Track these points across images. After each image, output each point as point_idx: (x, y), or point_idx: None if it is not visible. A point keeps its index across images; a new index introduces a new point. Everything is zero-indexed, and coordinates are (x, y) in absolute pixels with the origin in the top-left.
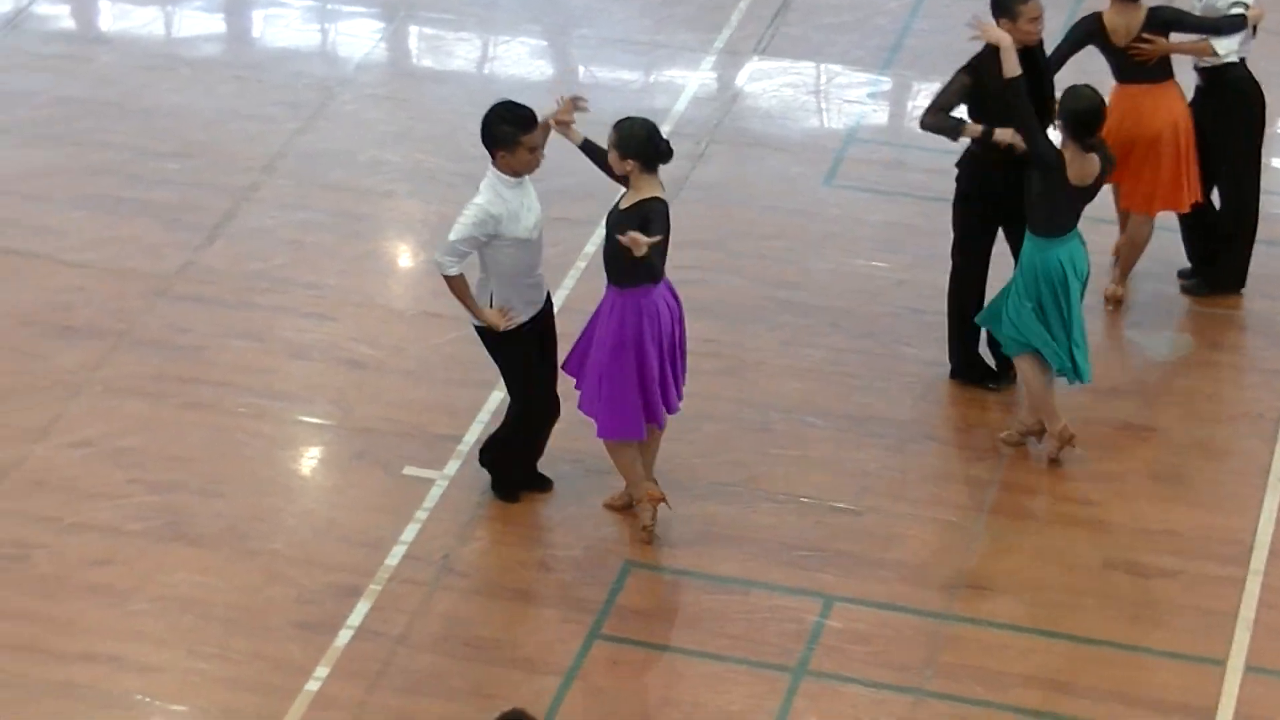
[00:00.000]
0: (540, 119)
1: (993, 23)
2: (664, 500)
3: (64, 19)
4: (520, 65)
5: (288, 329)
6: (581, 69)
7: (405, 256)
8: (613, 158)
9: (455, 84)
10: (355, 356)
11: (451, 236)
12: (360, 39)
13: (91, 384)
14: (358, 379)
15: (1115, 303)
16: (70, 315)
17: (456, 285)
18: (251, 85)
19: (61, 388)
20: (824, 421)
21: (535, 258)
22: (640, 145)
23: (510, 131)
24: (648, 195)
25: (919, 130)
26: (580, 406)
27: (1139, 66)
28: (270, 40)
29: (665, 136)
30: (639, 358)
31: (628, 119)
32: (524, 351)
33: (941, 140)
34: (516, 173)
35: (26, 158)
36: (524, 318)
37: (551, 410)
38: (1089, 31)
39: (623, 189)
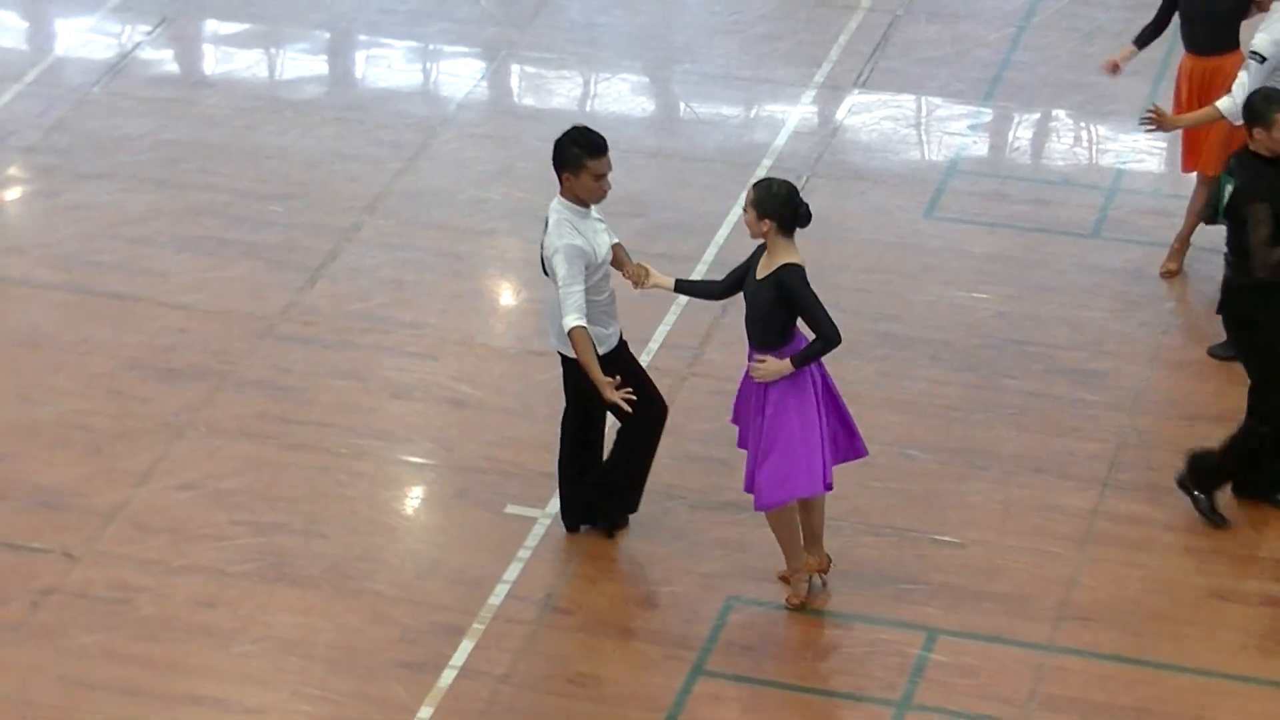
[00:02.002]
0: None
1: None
2: (826, 569)
3: (168, 63)
4: (621, 102)
5: (389, 368)
6: (683, 105)
7: (506, 295)
8: (749, 217)
9: (556, 122)
10: (456, 395)
11: (564, 289)
12: (461, 78)
13: (195, 426)
14: (459, 417)
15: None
16: (174, 357)
17: (581, 339)
18: (353, 126)
19: (166, 430)
20: (925, 454)
21: (607, 281)
22: (779, 205)
23: (577, 154)
24: (784, 261)
25: (1019, 160)
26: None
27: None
28: (372, 81)
29: (805, 202)
30: (800, 418)
31: (767, 179)
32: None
33: (1042, 171)
34: (581, 201)
35: (131, 201)
36: (603, 349)
37: (655, 417)
38: None
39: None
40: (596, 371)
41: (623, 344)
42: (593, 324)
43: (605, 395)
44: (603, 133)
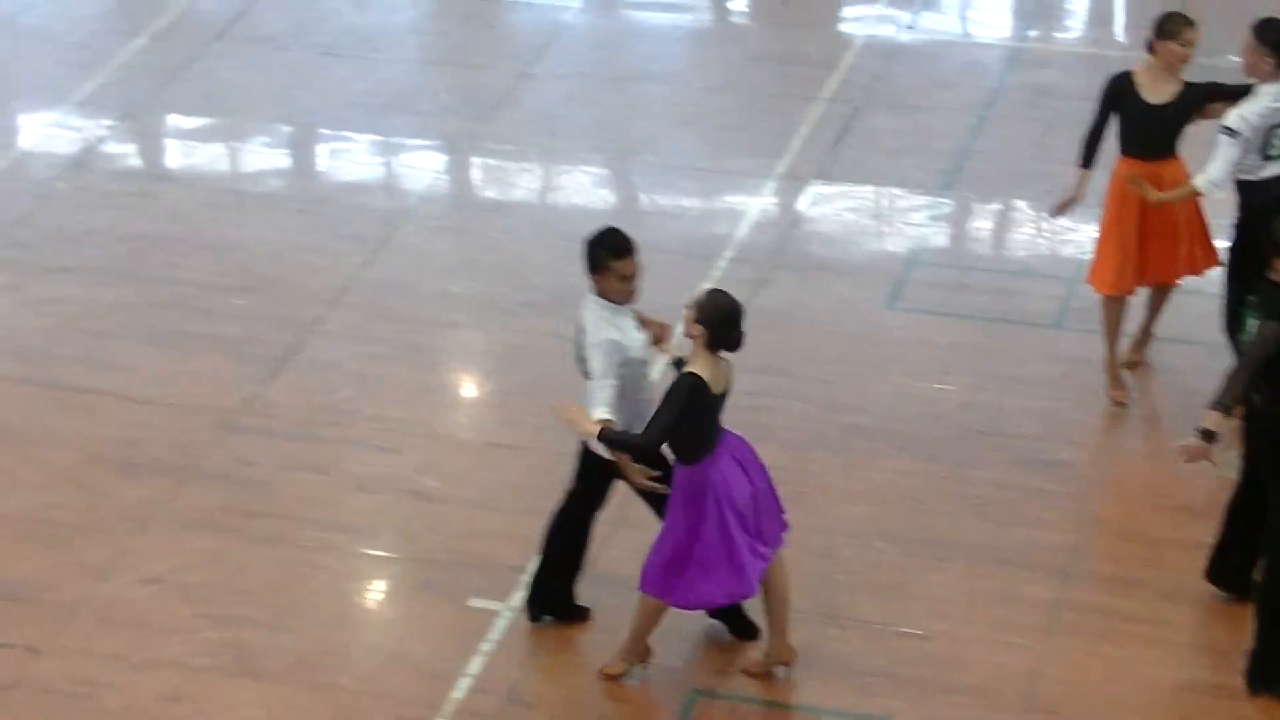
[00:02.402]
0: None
1: None
2: (790, 661)
3: (131, 157)
4: (582, 194)
5: (353, 461)
6: (643, 196)
7: (469, 387)
8: (687, 315)
9: (518, 214)
10: (420, 488)
11: (597, 383)
12: (423, 171)
13: (159, 519)
14: (423, 510)
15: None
16: (137, 451)
17: (608, 428)
18: (316, 219)
19: (129, 523)
20: (891, 546)
21: (647, 380)
22: (719, 321)
23: (602, 256)
24: (691, 369)
25: (981, 251)
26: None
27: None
28: (334, 174)
29: (743, 330)
30: (720, 531)
31: (722, 291)
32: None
33: (1004, 261)
34: (610, 300)
35: (95, 294)
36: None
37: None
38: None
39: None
40: (627, 459)
41: None
42: (633, 422)
43: (637, 481)
44: (564, 224)
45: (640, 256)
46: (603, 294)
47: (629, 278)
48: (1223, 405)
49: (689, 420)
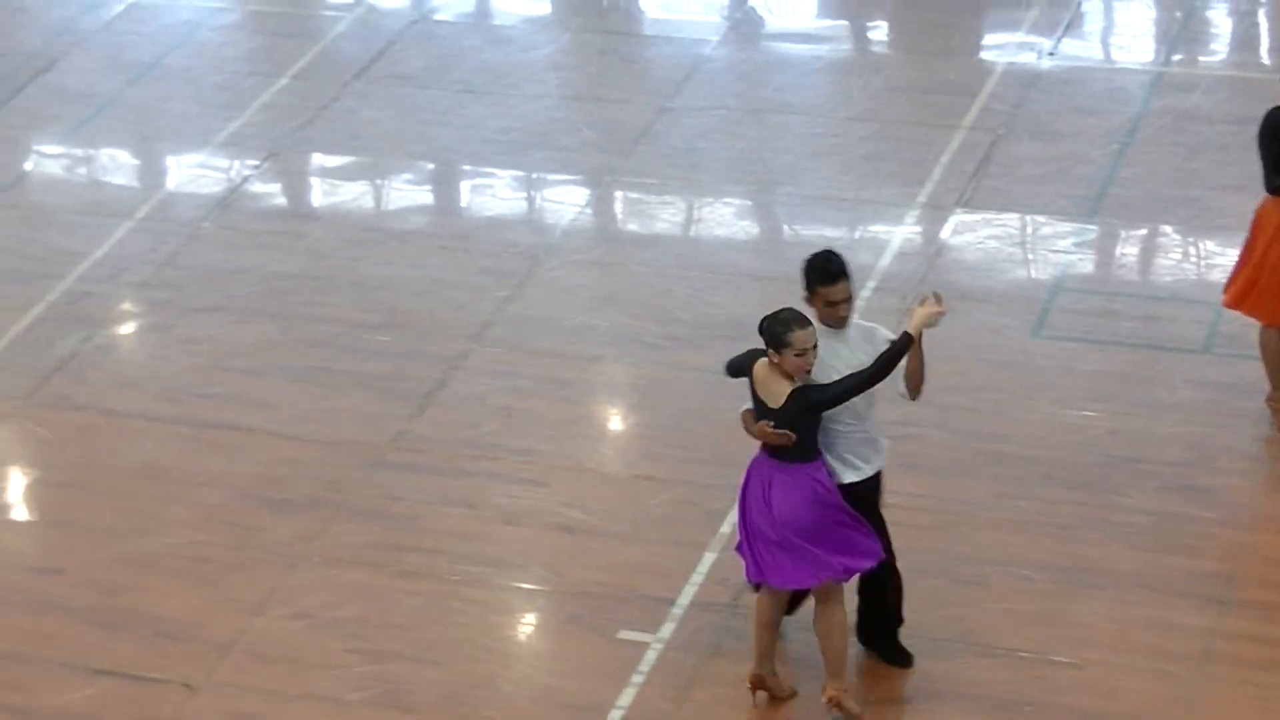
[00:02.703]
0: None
1: None
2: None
3: (275, 196)
4: (725, 226)
5: (500, 495)
6: (785, 227)
7: (615, 420)
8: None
9: (660, 248)
10: (567, 521)
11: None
12: (564, 206)
13: (309, 555)
14: (570, 543)
15: None
16: (287, 488)
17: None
18: (459, 255)
19: (279, 560)
20: (1040, 574)
21: (852, 413)
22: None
23: (810, 279)
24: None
25: (1126, 277)
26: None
27: None
28: (476, 210)
29: (785, 320)
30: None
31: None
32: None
33: (1150, 287)
34: (822, 323)
35: (241, 334)
36: (844, 478)
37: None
38: None
39: None
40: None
41: (870, 482)
42: (844, 457)
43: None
44: (706, 257)
45: (849, 282)
46: (818, 318)
47: (835, 303)
48: None
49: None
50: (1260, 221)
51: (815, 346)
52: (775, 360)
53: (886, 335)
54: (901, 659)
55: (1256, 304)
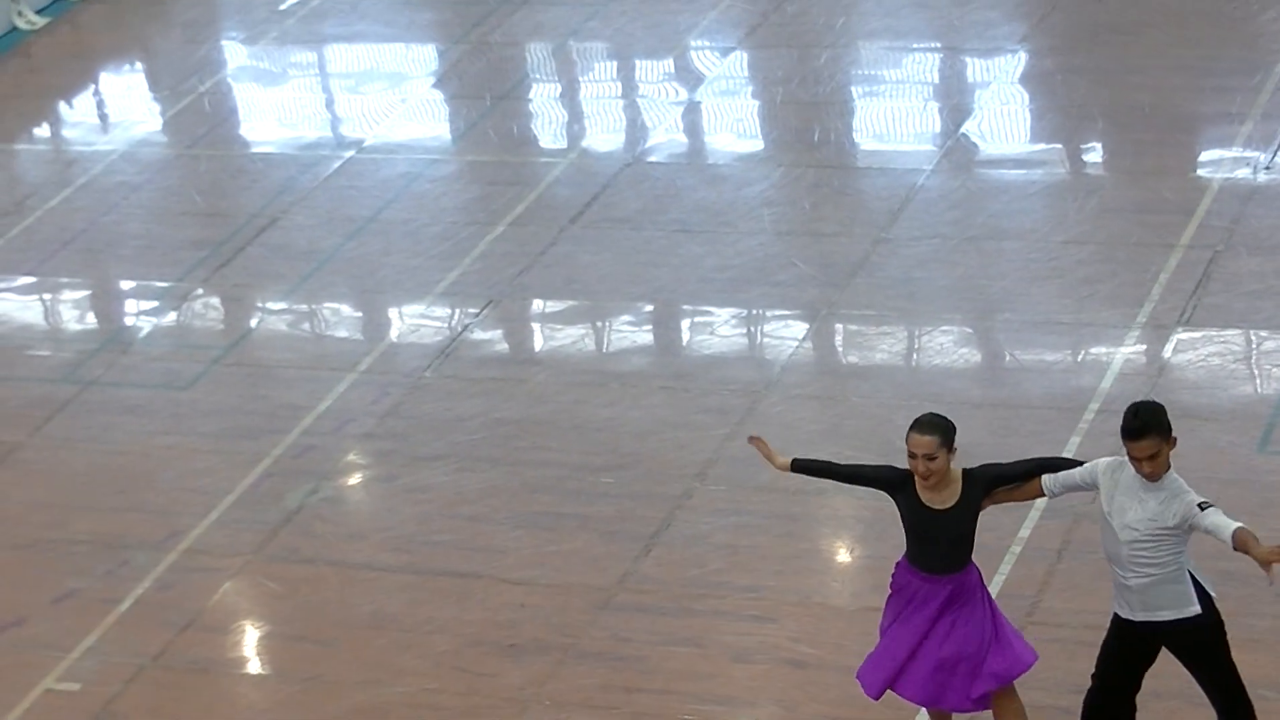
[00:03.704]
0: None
1: None
2: None
3: (496, 343)
4: (944, 355)
5: (728, 633)
6: (1006, 354)
7: (842, 553)
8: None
9: (880, 379)
10: (797, 656)
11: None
12: (784, 341)
13: (540, 700)
14: (801, 678)
15: None
16: (516, 633)
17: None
18: (680, 395)
19: (510, 705)
20: (1277, 693)
21: (1115, 550)
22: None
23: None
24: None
25: None
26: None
27: None
28: (695, 349)
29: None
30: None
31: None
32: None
33: None
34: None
35: (466, 481)
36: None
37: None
38: None
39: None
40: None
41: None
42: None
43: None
44: (927, 386)
45: (1164, 437)
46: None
47: (915, 456)
48: None
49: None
50: None
51: (926, 456)
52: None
53: (1193, 501)
54: None
55: None
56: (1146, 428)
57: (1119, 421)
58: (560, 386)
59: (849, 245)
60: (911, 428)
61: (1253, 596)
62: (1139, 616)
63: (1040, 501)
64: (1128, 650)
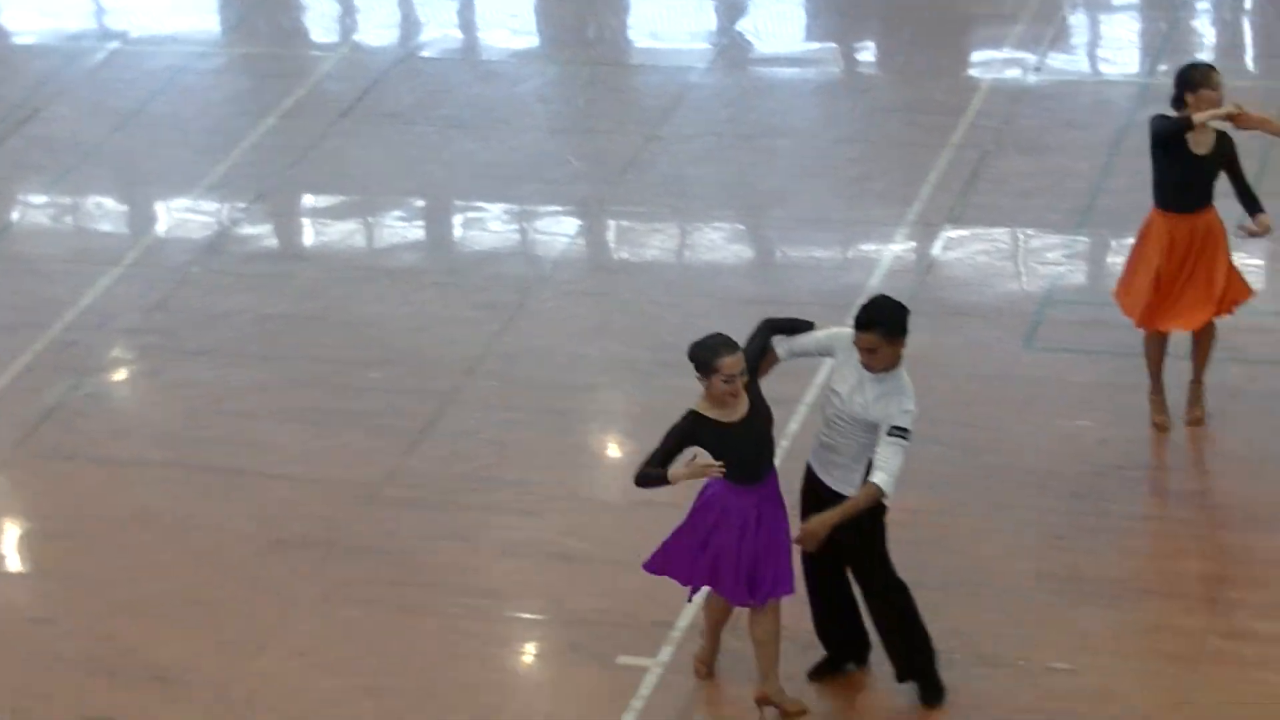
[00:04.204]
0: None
1: None
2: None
3: (265, 238)
4: (715, 251)
5: (496, 527)
6: (776, 250)
7: (611, 449)
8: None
9: (651, 275)
10: (564, 550)
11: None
12: (555, 237)
13: (305, 594)
14: (568, 572)
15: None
16: (281, 528)
17: None
18: (450, 290)
19: (277, 600)
20: (1035, 583)
21: (824, 407)
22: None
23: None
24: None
25: (1113, 287)
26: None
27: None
28: (466, 245)
29: (712, 346)
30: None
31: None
32: None
33: None
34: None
35: (233, 376)
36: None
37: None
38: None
39: None
40: None
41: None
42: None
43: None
44: (697, 282)
45: (888, 337)
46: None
47: (861, 349)
48: None
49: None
50: (1160, 237)
51: (743, 373)
52: (703, 386)
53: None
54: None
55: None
56: (872, 323)
57: None
58: (329, 282)
59: (622, 142)
60: (722, 351)
61: (1013, 491)
62: (822, 475)
63: (809, 397)
64: (813, 501)
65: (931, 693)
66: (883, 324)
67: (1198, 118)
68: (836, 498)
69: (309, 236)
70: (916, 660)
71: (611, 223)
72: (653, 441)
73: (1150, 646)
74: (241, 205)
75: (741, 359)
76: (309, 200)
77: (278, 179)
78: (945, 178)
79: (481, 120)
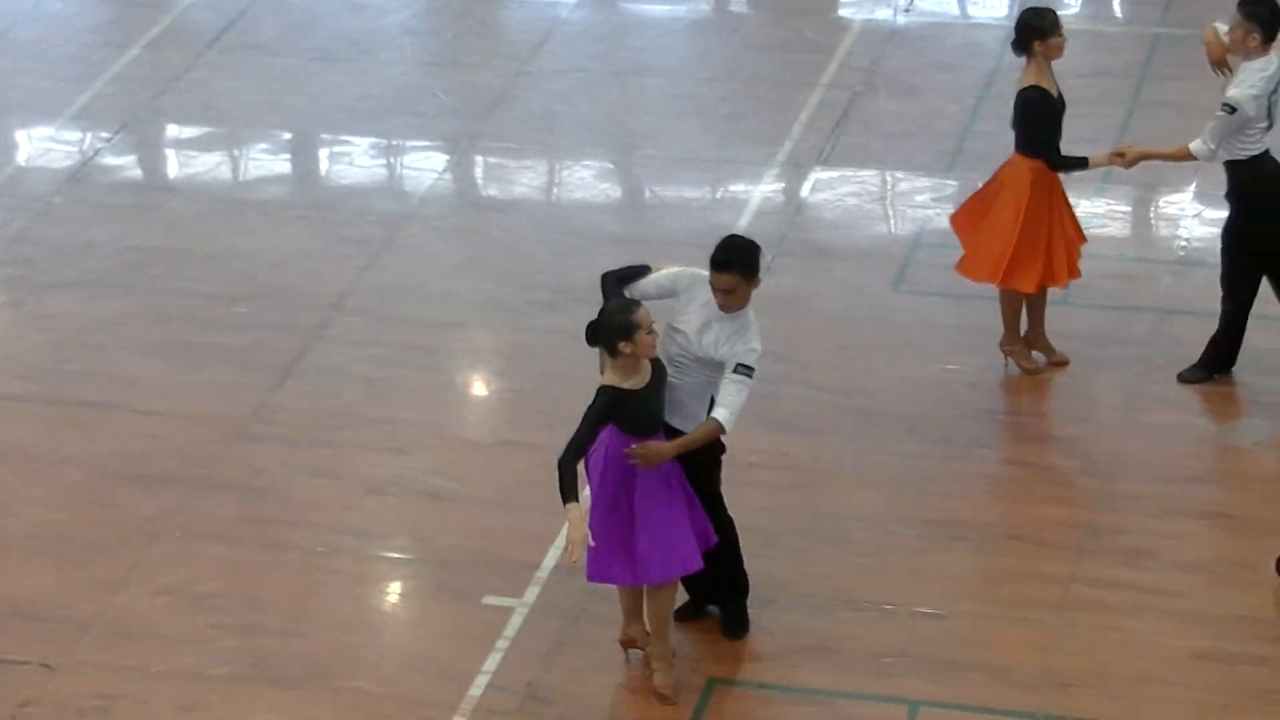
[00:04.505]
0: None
1: None
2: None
3: (129, 169)
4: (585, 189)
5: (363, 465)
6: (646, 189)
7: (479, 387)
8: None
9: (521, 212)
10: (432, 489)
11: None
12: (423, 173)
13: (170, 530)
14: (435, 511)
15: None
16: (146, 463)
17: None
18: (318, 224)
19: (141, 535)
20: (904, 528)
21: (667, 347)
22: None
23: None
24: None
25: None
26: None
27: None
28: (335, 179)
29: (619, 309)
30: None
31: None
32: None
33: None
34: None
35: (97, 308)
36: None
37: None
38: None
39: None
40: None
41: None
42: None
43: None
44: (566, 220)
45: (746, 277)
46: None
47: (717, 290)
48: None
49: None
50: (1013, 185)
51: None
52: (628, 351)
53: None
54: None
55: (1025, 275)
56: (730, 263)
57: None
58: (195, 214)
59: (491, 77)
60: (631, 308)
61: (882, 435)
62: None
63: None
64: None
65: (736, 625)
66: (742, 265)
67: (1094, 161)
68: (677, 435)
69: (174, 168)
70: (730, 591)
71: (480, 159)
72: (521, 379)
73: (1017, 592)
74: (106, 135)
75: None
76: (174, 131)
77: (143, 109)
78: (815, 118)
79: (349, 53)
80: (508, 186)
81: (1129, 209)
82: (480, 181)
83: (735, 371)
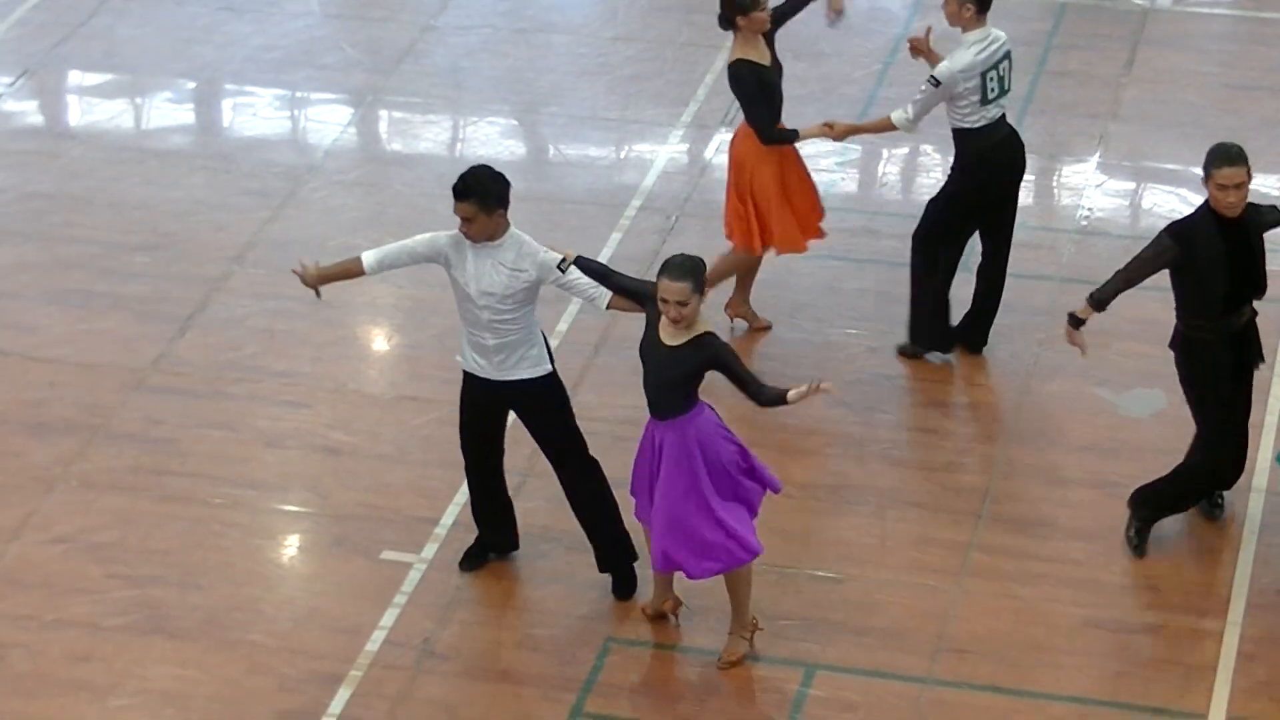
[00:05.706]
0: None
1: None
2: (676, 610)
3: (31, 115)
4: (489, 145)
5: (262, 418)
6: (551, 147)
7: (379, 341)
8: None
9: (424, 167)
10: (330, 443)
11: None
12: (328, 125)
13: (66, 479)
14: (334, 465)
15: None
16: (44, 411)
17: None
18: (220, 175)
19: (36, 484)
20: (801, 492)
21: (474, 316)
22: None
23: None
24: (706, 328)
25: (888, 196)
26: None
27: None
28: (239, 130)
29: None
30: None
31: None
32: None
33: (911, 206)
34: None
35: None
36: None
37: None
38: None
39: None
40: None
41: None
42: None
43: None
44: None
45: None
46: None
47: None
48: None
49: None
50: (744, 162)
51: (678, 303)
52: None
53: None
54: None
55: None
56: (468, 191)
57: (659, 219)
58: (96, 162)
59: (397, 31)
60: (662, 272)
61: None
62: (497, 376)
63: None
64: (482, 409)
65: (624, 586)
66: (478, 194)
67: (804, 134)
68: (525, 386)
69: (76, 115)
70: (614, 552)
71: (385, 113)
72: (421, 335)
73: (914, 558)
74: (7, 80)
75: (685, 289)
76: (77, 78)
77: (45, 55)
78: (721, 80)
79: (256, 3)
80: (412, 142)
81: (1031, 178)
82: (385, 136)
83: (568, 266)
